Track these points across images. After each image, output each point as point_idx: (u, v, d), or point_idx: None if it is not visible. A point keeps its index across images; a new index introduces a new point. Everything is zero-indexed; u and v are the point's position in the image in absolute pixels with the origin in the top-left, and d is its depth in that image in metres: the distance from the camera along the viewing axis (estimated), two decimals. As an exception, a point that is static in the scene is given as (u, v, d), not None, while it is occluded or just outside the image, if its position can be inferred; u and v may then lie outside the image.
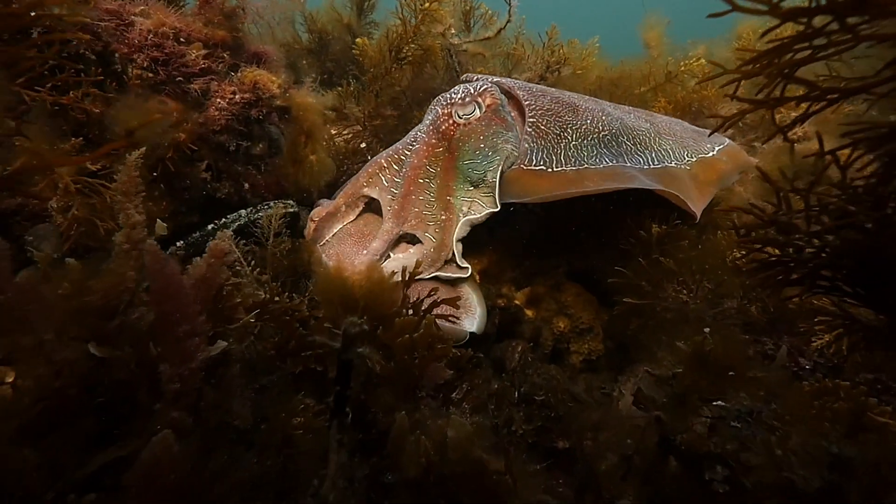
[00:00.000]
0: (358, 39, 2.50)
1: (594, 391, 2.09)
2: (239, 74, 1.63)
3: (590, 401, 1.79)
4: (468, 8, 2.52)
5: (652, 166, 1.86)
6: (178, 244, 1.66)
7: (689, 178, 1.91)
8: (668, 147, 2.01)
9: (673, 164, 1.93)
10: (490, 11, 2.54)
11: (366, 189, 1.91)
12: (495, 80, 1.96)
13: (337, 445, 0.89)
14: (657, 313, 1.44)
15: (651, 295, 1.46)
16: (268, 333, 1.24)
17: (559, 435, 1.39)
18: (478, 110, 1.80)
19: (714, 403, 0.84)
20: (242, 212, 1.83)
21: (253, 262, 1.60)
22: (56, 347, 0.82)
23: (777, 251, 0.87)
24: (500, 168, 1.77)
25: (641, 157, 1.89)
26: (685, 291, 1.40)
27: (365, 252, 1.78)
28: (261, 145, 1.78)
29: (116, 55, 1.39)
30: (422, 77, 2.60)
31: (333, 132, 2.68)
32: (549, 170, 1.72)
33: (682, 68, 2.67)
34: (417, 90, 2.71)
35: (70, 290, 0.81)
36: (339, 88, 2.63)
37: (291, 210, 1.96)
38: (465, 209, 1.85)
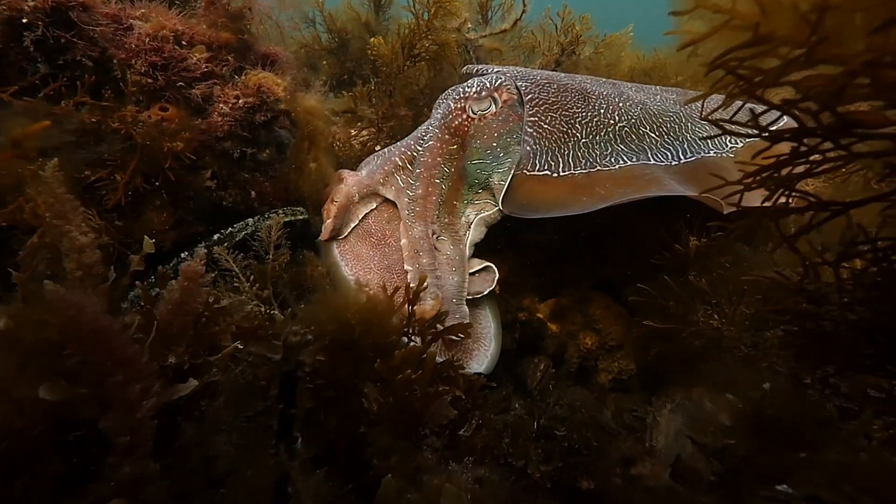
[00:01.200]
0: (373, 39, 2.41)
1: (625, 414, 1.92)
2: (243, 78, 1.55)
3: (619, 430, 1.63)
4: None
5: (684, 160, 1.60)
6: (182, 255, 1.61)
7: (736, 168, 1.66)
8: (706, 132, 1.73)
9: (711, 154, 1.66)
10: (509, 2, 2.37)
11: (382, 188, 1.80)
12: (498, 69, 1.80)
13: (297, 473, 0.78)
14: (684, 339, 1.23)
15: (677, 318, 1.26)
16: (260, 360, 1.16)
17: (583, 473, 1.24)
18: (493, 106, 1.65)
19: (778, 488, 0.67)
20: (250, 220, 1.76)
21: (252, 278, 1.53)
22: (16, 384, 0.75)
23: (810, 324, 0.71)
24: (510, 173, 1.61)
25: (670, 149, 1.64)
26: (716, 316, 1.19)
27: (411, 269, 1.64)
28: (268, 151, 1.70)
29: (115, 61, 1.34)
30: (440, 75, 2.48)
31: (353, 133, 2.60)
32: (555, 174, 1.53)
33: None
34: (435, 89, 2.58)
35: (28, 322, 0.73)
36: (356, 89, 2.55)
37: (301, 217, 1.89)
38: (471, 214, 1.71)
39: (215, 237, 1.68)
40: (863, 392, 0.71)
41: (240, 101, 1.51)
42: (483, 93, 1.65)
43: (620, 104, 1.70)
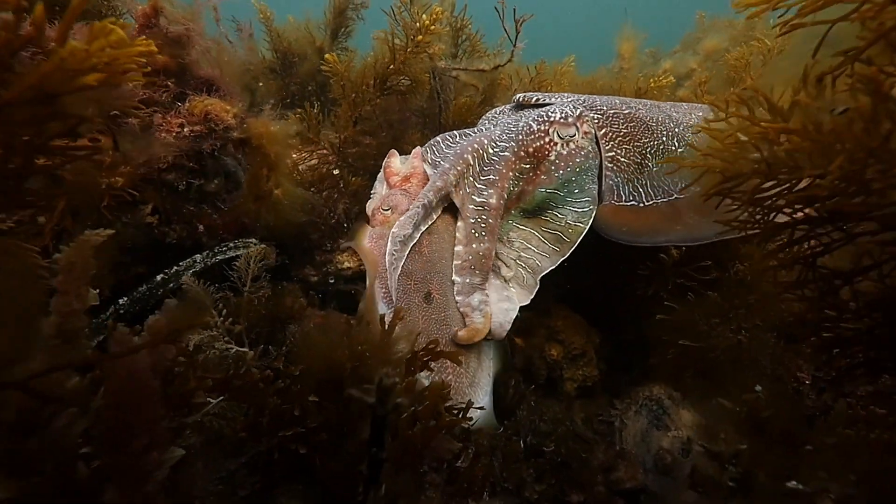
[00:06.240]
0: (327, 55, 2.34)
1: (593, 420, 2.00)
2: (187, 104, 1.44)
3: (595, 437, 1.68)
4: (459, 26, 2.40)
5: None
6: (120, 301, 1.43)
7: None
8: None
9: None
10: (479, 33, 2.42)
11: (453, 192, 1.52)
12: (573, 98, 1.75)
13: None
14: (709, 357, 1.27)
15: (706, 335, 1.29)
16: (238, 410, 1.06)
17: (571, 487, 1.27)
18: (577, 134, 1.61)
19: (789, 485, 0.72)
20: (198, 257, 1.62)
21: (225, 311, 1.40)
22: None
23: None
24: (590, 215, 1.55)
25: None
26: (743, 331, 1.23)
27: (459, 280, 1.48)
28: (216, 181, 1.58)
29: (34, 88, 1.17)
30: (408, 103, 2.46)
31: (295, 156, 2.49)
32: (641, 204, 1.55)
33: (652, 84, 2.67)
34: (391, 110, 2.56)
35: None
36: (302, 111, 2.46)
37: (254, 248, 1.77)
38: (514, 239, 1.62)
39: (159, 278, 1.52)
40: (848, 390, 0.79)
41: (185, 130, 1.39)
42: (570, 119, 1.61)
43: (676, 129, 1.75)
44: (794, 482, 0.70)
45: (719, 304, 1.27)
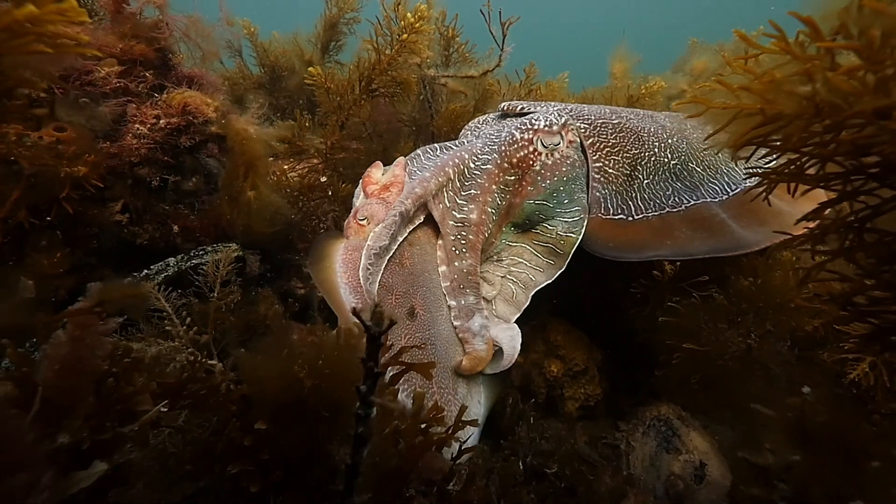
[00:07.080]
0: (311, 69, 2.31)
1: (598, 444, 1.85)
2: (165, 96, 1.36)
3: (601, 461, 1.54)
4: (450, 34, 2.38)
5: (731, 193, 1.58)
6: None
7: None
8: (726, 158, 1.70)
9: (747, 183, 1.62)
10: (469, 43, 2.41)
11: (431, 203, 1.47)
12: (558, 107, 1.70)
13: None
14: (717, 364, 1.18)
15: (711, 340, 1.21)
16: (194, 423, 0.92)
17: (578, 515, 1.12)
18: (562, 143, 1.55)
19: None
20: (171, 260, 1.50)
21: (189, 319, 1.27)
22: None
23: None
24: (582, 224, 1.48)
25: (716, 183, 1.62)
26: (752, 335, 1.13)
27: (454, 303, 1.41)
28: (194, 179, 1.49)
29: (-6, 70, 1.09)
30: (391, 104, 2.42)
31: (286, 167, 2.42)
32: (630, 218, 1.48)
33: (643, 91, 2.67)
34: (380, 118, 2.51)
35: None
36: (292, 120, 2.41)
37: (234, 255, 1.65)
38: (504, 258, 1.55)
39: (126, 282, 1.40)
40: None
41: (161, 122, 1.30)
42: (554, 127, 1.55)
43: (669, 140, 1.69)
44: (860, 502, 0.58)
45: (726, 308, 1.18)
